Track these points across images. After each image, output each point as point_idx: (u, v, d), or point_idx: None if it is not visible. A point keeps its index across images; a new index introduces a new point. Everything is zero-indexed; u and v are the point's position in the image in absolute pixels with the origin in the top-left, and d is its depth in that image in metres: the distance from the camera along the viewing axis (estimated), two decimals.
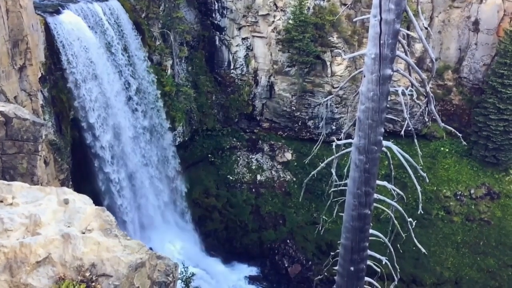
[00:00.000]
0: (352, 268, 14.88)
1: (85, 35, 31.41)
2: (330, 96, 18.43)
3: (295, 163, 47.38)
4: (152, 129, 39.76)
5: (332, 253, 16.95)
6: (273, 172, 47.11)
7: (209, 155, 46.97)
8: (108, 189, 34.80)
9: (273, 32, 44.79)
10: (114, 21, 34.93)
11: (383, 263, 16.06)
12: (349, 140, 14.01)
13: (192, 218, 43.57)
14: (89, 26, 31.96)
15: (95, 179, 34.15)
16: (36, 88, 26.83)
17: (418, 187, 15.25)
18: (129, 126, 36.84)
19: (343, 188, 14.93)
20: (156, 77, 39.33)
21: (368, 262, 15.62)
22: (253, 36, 45.69)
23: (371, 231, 14.79)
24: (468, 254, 42.82)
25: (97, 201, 11.03)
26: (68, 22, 30.15)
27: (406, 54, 12.66)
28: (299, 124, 47.87)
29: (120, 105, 35.58)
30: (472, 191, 45.07)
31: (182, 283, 28.19)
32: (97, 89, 32.82)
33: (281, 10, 43.92)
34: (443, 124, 13.47)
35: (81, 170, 32.57)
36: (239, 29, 45.52)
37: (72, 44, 30.22)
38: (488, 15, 43.78)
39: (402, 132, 14.24)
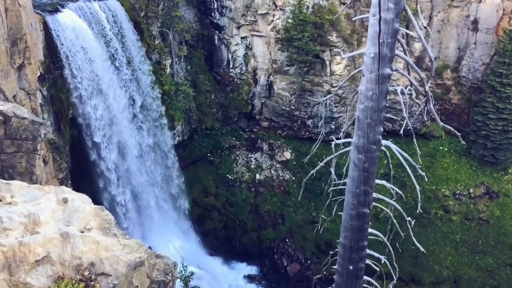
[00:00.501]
0: (351, 267, 14.90)
1: (90, 45, 30.28)
2: (329, 95, 18.43)
3: (294, 162, 47.39)
4: (156, 147, 39.09)
5: (331, 252, 16.97)
6: (272, 171, 47.11)
7: (208, 154, 46.96)
8: (112, 209, 34.26)
9: (272, 31, 44.76)
10: (118, 31, 33.62)
11: (382, 262, 16.08)
12: (348, 139, 14.01)
13: (191, 217, 43.56)
14: (92, 33, 30.82)
15: (99, 196, 33.60)
16: (35, 87, 26.80)
17: (417, 186, 15.27)
18: (135, 144, 36.08)
19: (342, 187, 14.94)
20: (161, 92, 38.58)
21: (367, 261, 15.63)
22: (252, 35, 45.66)
23: (370, 230, 14.80)
24: (467, 253, 42.88)
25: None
26: (72, 29, 29.17)
27: (405, 53, 12.66)
28: (298, 123, 47.87)
29: (126, 122, 34.75)
30: (471, 190, 45.12)
31: (181, 282, 28.14)
32: (102, 106, 31.80)
33: (280, 9, 43.90)
34: (442, 123, 13.47)
35: (80, 169, 32.51)
36: (238, 28, 45.49)
37: (76, 55, 29.31)
38: (487, 15, 43.79)
39: (401, 131, 14.24)
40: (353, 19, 39.14)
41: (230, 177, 46.42)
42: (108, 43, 32.59)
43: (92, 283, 8.70)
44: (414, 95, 13.85)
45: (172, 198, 41.82)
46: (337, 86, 43.09)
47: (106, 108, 32.42)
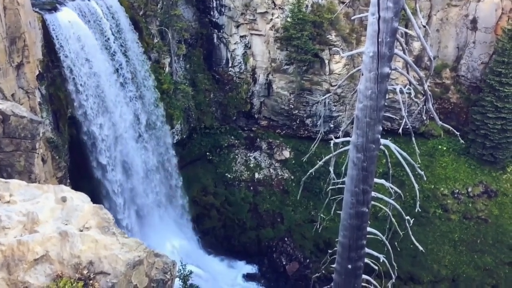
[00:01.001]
0: (349, 266, 14.92)
1: (96, 58, 28.91)
2: (328, 94, 18.45)
3: (293, 161, 47.39)
4: (160, 166, 38.40)
5: (330, 251, 16.99)
6: (271, 170, 47.12)
7: (207, 153, 46.95)
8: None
9: (271, 30, 44.72)
10: (122, 44, 32.06)
11: (381, 261, 16.11)
12: (347, 138, 14.03)
13: (190, 216, 43.56)
14: (98, 43, 29.18)
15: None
16: (33, 85, 26.73)
17: (416, 185, 15.30)
18: (141, 164, 35.27)
19: (341, 186, 14.96)
20: (165, 108, 37.69)
21: (366, 260, 15.66)
22: (251, 34, 45.61)
23: (368, 229, 14.82)
24: (465, 252, 42.94)
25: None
26: (76, 39, 27.89)
27: (404, 53, 12.67)
28: (297, 122, 47.86)
29: (132, 142, 33.85)
30: (469, 189, 45.17)
31: (180, 281, 28.13)
32: (108, 124, 30.61)
33: (279, 8, 43.86)
34: (441, 122, 13.49)
35: (79, 168, 32.44)
36: (237, 27, 45.44)
37: (81, 69, 28.11)
38: (486, 14, 43.80)
39: (400, 130, 14.26)
40: (352, 18, 39.09)
41: (229, 176, 46.42)
42: (113, 56, 31.16)
43: (91, 282, 8.70)
44: (413, 94, 13.88)
45: (175, 215, 41.70)
46: (336, 85, 43.11)
47: (112, 126, 31.27)
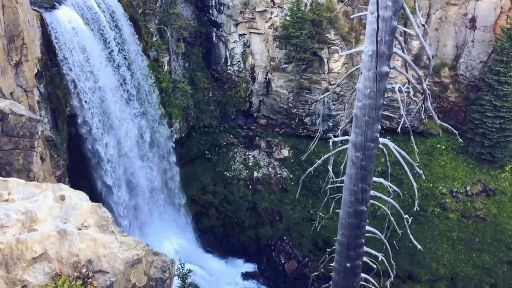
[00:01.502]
0: (348, 265, 14.94)
1: (101, 71, 27.84)
2: (327, 93, 18.44)
3: (292, 160, 47.41)
4: (164, 185, 38.19)
5: (328, 250, 17.02)
6: (270, 168, 47.12)
7: (206, 152, 46.94)
8: None
9: (270, 28, 44.69)
10: (125, 57, 30.85)
11: (379, 259, 16.13)
12: (346, 137, 14.05)
13: (189, 215, 43.56)
14: (104, 54, 28.12)
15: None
16: (32, 84, 26.68)
17: (414, 184, 15.31)
18: (146, 184, 34.78)
19: (340, 185, 14.98)
20: (168, 121, 37.18)
21: (364, 259, 15.68)
22: (250, 33, 45.58)
23: (367, 227, 14.85)
24: (464, 250, 43.01)
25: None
26: (81, 50, 26.82)
27: (403, 51, 12.68)
28: (296, 120, 47.86)
29: (138, 162, 33.10)
30: (468, 188, 45.24)
31: (179, 279, 28.15)
32: (113, 142, 29.68)
33: (278, 6, 43.83)
34: (439, 121, 13.51)
35: (78, 166, 32.39)
36: (236, 25, 45.40)
37: (86, 84, 27.10)
38: (485, 13, 43.84)
39: (399, 129, 14.29)
40: (351, 16, 39.00)
41: (227, 174, 46.41)
42: (118, 69, 30.18)
43: (90, 280, 8.71)
44: (411, 93, 13.90)
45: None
46: (335, 84, 43.18)
47: (117, 145, 30.42)
